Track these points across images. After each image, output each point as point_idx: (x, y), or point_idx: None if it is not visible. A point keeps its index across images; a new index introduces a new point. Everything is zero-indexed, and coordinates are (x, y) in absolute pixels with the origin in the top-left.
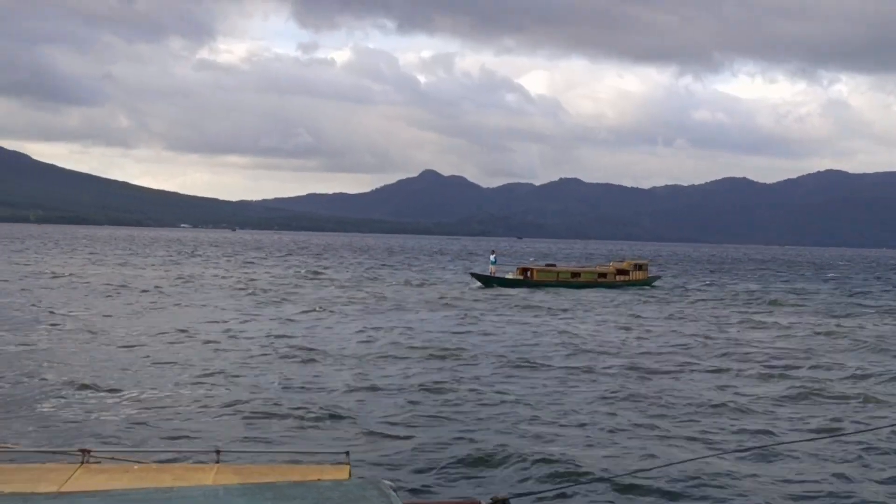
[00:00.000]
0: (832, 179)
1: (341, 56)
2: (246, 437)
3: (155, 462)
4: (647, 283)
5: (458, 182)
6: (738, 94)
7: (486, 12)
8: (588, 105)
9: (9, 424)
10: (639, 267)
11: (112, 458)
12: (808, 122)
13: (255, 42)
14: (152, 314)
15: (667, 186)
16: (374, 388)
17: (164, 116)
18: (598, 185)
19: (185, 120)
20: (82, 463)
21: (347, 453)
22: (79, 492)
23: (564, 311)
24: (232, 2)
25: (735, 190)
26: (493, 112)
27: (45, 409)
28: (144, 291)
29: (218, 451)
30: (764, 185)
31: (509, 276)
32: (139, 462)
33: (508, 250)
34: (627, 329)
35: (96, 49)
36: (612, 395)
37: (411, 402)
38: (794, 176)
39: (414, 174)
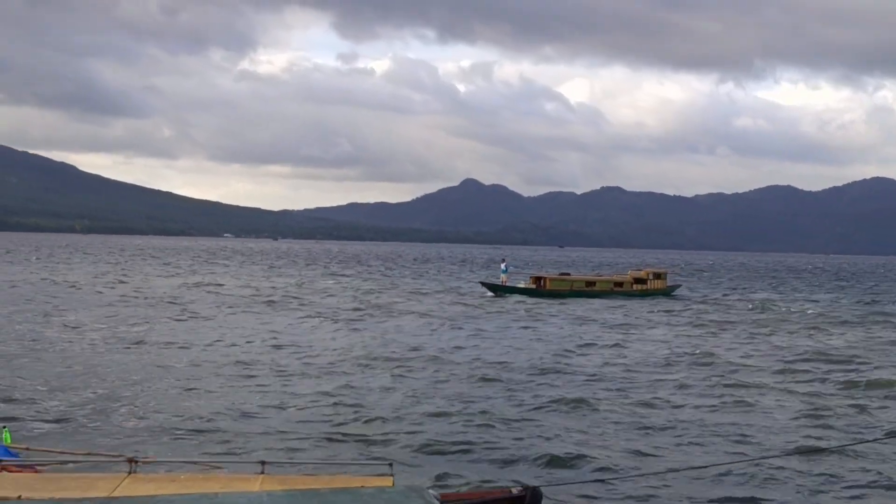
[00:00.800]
0: (879, 187)
1: (381, 66)
2: (291, 448)
3: (201, 472)
4: (667, 292)
5: (499, 191)
6: (780, 101)
7: (525, 21)
8: (629, 113)
9: (59, 430)
10: (657, 276)
11: (159, 466)
12: (853, 129)
13: (296, 53)
14: (194, 324)
15: (710, 195)
16: (415, 400)
17: (207, 127)
18: (640, 193)
19: (226, 130)
20: (130, 472)
21: (391, 464)
22: (126, 496)
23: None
24: (272, 13)
25: (780, 198)
26: (533, 120)
27: (94, 416)
28: (171, 303)
29: (263, 462)
30: (809, 192)
31: (521, 284)
32: (186, 471)
33: (541, 260)
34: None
35: (140, 61)
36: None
37: (450, 413)
38: (839, 184)
39: (455, 183)
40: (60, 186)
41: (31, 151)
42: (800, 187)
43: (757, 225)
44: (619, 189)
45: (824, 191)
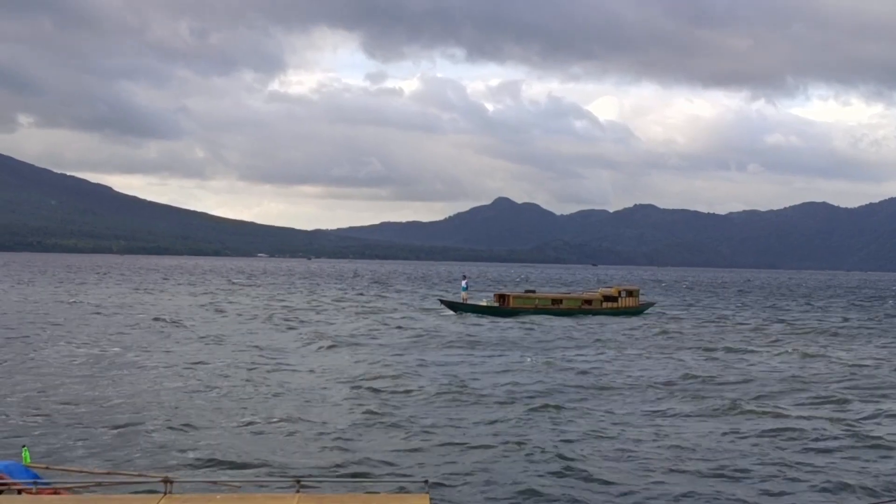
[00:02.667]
0: None
1: (409, 85)
2: (326, 466)
3: (237, 492)
4: (639, 311)
5: (532, 209)
6: (811, 117)
7: (555, 40)
8: (658, 130)
9: (95, 450)
10: (629, 293)
11: (195, 487)
12: (885, 144)
13: (325, 73)
14: (232, 343)
15: (744, 212)
16: (451, 419)
17: (238, 148)
18: (673, 210)
19: (258, 151)
20: (165, 493)
21: (427, 481)
22: None
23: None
24: (302, 35)
25: (814, 215)
26: (563, 139)
27: (129, 436)
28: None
29: (299, 480)
30: (845, 209)
31: (483, 302)
32: (221, 491)
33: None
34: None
35: (171, 83)
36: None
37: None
38: (875, 200)
39: (487, 202)
40: (97, 207)
41: (68, 173)
42: (835, 204)
43: (791, 242)
44: (651, 206)
45: (860, 207)
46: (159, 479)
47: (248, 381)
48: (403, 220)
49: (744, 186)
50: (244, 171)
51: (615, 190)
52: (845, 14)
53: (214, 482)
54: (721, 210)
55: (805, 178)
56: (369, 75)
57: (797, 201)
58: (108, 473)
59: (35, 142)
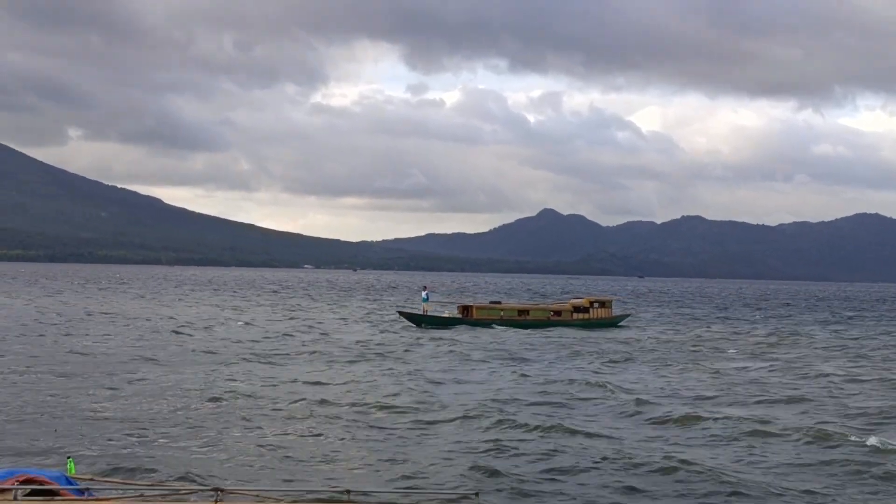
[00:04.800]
0: None
1: (450, 97)
2: (376, 477)
3: (288, 502)
4: (613, 322)
5: (578, 220)
6: (860, 127)
7: (598, 50)
8: (702, 141)
9: (144, 460)
10: (602, 304)
11: (245, 497)
12: None
13: (367, 85)
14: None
15: (795, 223)
16: (502, 429)
17: (282, 160)
18: (721, 222)
19: (301, 163)
20: (216, 502)
21: (477, 493)
22: None
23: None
24: (343, 48)
25: (867, 226)
26: (605, 150)
27: (179, 446)
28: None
29: (349, 492)
30: None
31: (446, 314)
32: (272, 501)
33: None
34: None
35: (215, 96)
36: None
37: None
38: None
39: (532, 213)
40: (147, 219)
41: (119, 186)
42: (888, 215)
43: (843, 254)
44: (699, 218)
45: None
46: (209, 488)
47: (293, 392)
48: (449, 231)
49: (791, 197)
50: (288, 183)
51: (660, 201)
52: (894, 22)
53: (265, 489)
54: (770, 221)
55: (855, 189)
56: (410, 87)
57: (847, 212)
58: (155, 485)
59: (85, 154)
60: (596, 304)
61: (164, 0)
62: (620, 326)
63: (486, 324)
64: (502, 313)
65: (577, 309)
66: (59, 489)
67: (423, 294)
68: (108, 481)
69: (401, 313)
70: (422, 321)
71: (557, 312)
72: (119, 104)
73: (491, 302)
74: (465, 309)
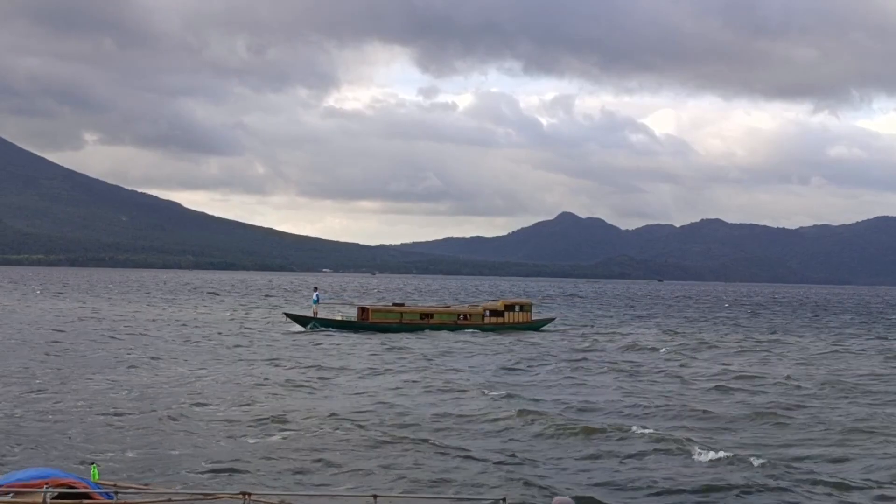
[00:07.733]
0: None
1: (463, 100)
2: (403, 482)
3: None
4: (534, 326)
5: (596, 224)
6: (876, 129)
7: (613, 52)
8: (717, 143)
9: (170, 466)
10: (521, 307)
11: (272, 501)
12: None
13: (380, 88)
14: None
15: (815, 226)
16: (531, 433)
17: (297, 163)
18: (741, 225)
19: (316, 166)
20: None
21: (504, 499)
22: None
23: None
24: (355, 51)
25: (888, 229)
26: (619, 152)
27: (205, 451)
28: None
29: (375, 497)
30: None
31: (339, 317)
32: None
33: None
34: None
35: (228, 100)
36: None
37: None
38: None
39: (549, 217)
40: (167, 223)
41: (139, 190)
42: None
43: (865, 257)
44: (718, 221)
45: None
46: (237, 493)
47: (312, 392)
48: (467, 235)
49: (808, 200)
50: (304, 187)
51: (676, 203)
52: None
53: (292, 493)
54: (788, 224)
55: (872, 192)
56: (422, 90)
57: (867, 215)
58: (182, 490)
59: (101, 159)
60: (517, 308)
61: (177, 4)
62: (543, 330)
63: (384, 328)
64: (402, 316)
65: (492, 312)
66: (89, 492)
67: (314, 296)
68: (135, 486)
69: (287, 315)
70: (308, 323)
71: (466, 316)
72: (134, 108)
73: (393, 304)
74: (363, 311)
